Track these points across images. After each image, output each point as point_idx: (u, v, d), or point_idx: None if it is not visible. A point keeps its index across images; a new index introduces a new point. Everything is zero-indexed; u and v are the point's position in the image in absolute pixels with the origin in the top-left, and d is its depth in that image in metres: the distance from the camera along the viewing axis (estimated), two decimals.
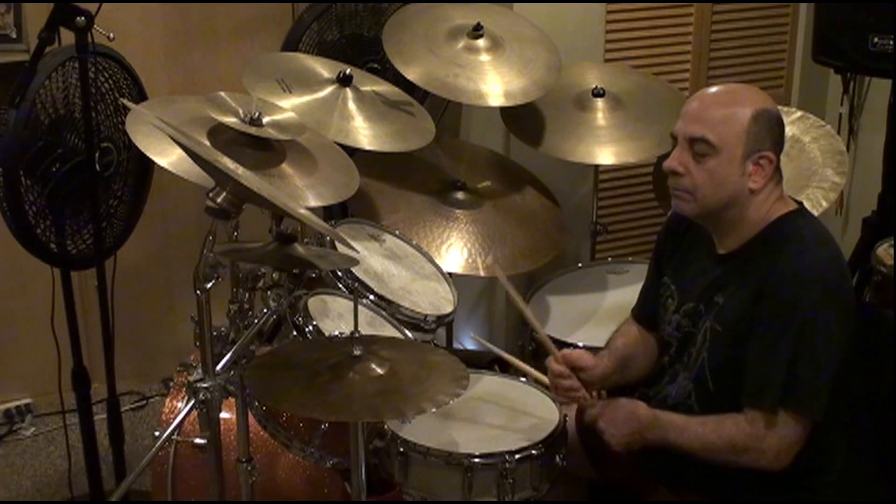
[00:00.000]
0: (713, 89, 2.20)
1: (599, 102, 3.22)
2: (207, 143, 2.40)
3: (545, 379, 2.39)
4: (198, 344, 2.20)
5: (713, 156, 2.10)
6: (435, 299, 2.70)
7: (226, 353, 2.20)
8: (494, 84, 3.01)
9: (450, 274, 2.84)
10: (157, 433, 2.22)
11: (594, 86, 3.24)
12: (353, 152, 2.79)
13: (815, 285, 2.05)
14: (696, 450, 2.12)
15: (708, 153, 2.10)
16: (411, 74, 2.98)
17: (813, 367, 2.05)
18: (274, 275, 2.50)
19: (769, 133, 2.11)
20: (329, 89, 2.86)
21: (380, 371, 1.99)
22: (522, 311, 2.44)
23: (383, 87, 2.99)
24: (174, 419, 2.18)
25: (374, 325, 2.49)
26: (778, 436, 2.07)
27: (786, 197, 2.20)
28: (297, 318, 2.38)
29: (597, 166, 3.37)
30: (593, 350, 2.62)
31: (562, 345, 2.82)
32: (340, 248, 2.39)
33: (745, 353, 2.11)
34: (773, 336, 2.07)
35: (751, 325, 2.10)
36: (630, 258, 3.40)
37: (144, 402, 3.68)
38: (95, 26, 2.49)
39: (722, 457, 2.11)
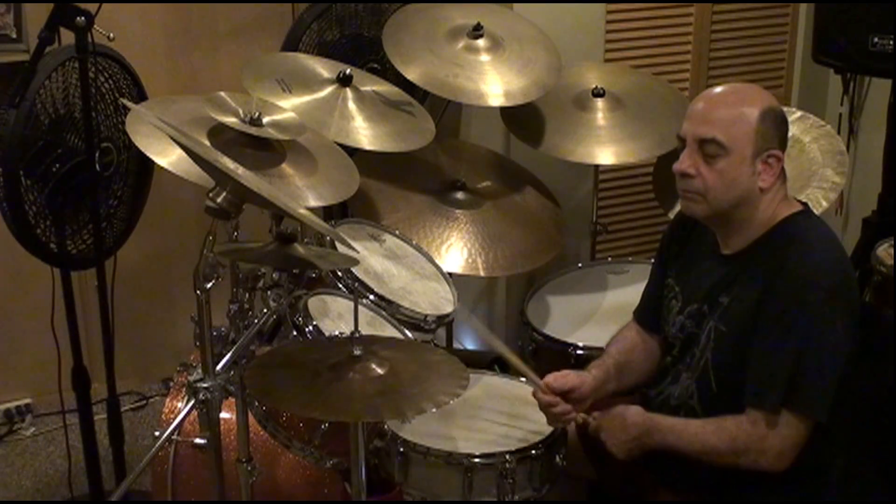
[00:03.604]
0: (718, 89, 2.20)
1: (599, 102, 3.21)
2: (207, 143, 2.40)
3: (537, 380, 2.36)
4: (198, 344, 2.20)
5: (724, 156, 2.10)
6: (435, 299, 2.70)
7: (226, 353, 2.20)
8: (494, 84, 3.01)
9: (450, 274, 2.84)
10: (157, 433, 2.21)
11: (594, 86, 3.24)
12: (353, 152, 2.79)
13: (821, 286, 2.05)
14: (697, 452, 2.12)
15: (719, 154, 2.10)
16: (411, 74, 2.98)
17: (817, 368, 2.05)
18: (274, 275, 2.50)
19: (777, 131, 2.12)
20: (329, 89, 2.86)
21: (380, 371, 1.99)
22: (500, 349, 2.41)
23: (383, 87, 2.99)
24: (174, 419, 2.18)
25: (374, 325, 2.49)
26: (780, 436, 2.07)
27: (790, 197, 2.20)
28: (297, 318, 2.38)
29: (597, 166, 3.37)
30: (594, 350, 2.63)
31: (562, 345, 2.83)
32: (340, 248, 2.39)
33: (748, 353, 2.11)
34: (778, 336, 2.06)
35: (755, 325, 2.10)
36: (630, 258, 3.40)
37: (144, 402, 3.68)
38: (95, 26, 2.49)
39: (723, 458, 2.11)
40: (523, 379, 2.60)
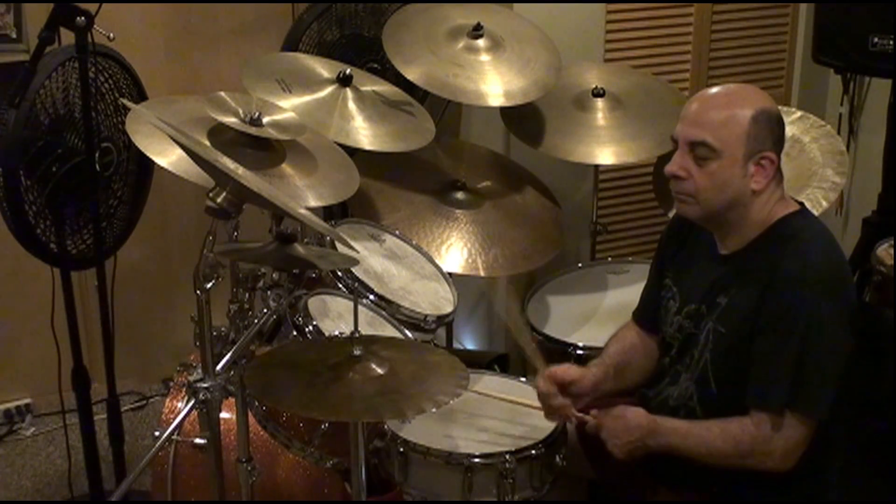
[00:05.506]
0: (712, 91, 2.20)
1: (599, 102, 3.21)
2: (207, 143, 2.40)
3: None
4: (198, 344, 2.20)
5: (714, 159, 2.10)
6: (435, 299, 2.70)
7: (226, 353, 2.20)
8: (494, 84, 3.01)
9: (450, 274, 2.84)
10: (157, 433, 2.21)
11: (594, 86, 3.24)
12: (353, 152, 2.79)
13: (819, 285, 2.05)
14: (702, 454, 2.12)
15: (709, 157, 2.10)
16: (411, 74, 2.98)
17: (819, 368, 2.05)
18: (274, 275, 2.50)
19: (770, 133, 2.11)
20: (329, 89, 2.86)
21: (380, 371, 1.99)
22: (514, 328, 2.42)
23: (383, 87, 2.99)
24: (174, 419, 2.18)
25: (374, 325, 2.49)
26: (784, 437, 2.07)
27: (787, 197, 2.20)
28: (297, 318, 2.38)
29: (597, 166, 3.37)
30: (594, 350, 2.63)
31: (562, 345, 2.83)
32: (340, 248, 2.39)
33: (747, 354, 2.11)
34: (778, 337, 2.06)
35: (754, 326, 2.10)
36: (630, 258, 3.40)
37: (144, 402, 3.68)
38: (95, 26, 2.49)
39: (728, 461, 2.11)
40: (523, 379, 2.61)
